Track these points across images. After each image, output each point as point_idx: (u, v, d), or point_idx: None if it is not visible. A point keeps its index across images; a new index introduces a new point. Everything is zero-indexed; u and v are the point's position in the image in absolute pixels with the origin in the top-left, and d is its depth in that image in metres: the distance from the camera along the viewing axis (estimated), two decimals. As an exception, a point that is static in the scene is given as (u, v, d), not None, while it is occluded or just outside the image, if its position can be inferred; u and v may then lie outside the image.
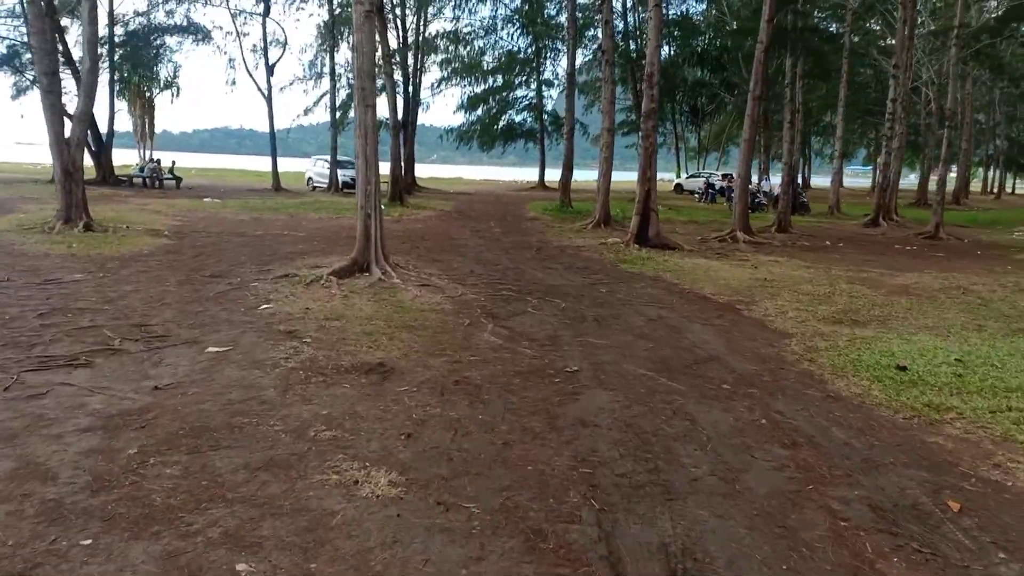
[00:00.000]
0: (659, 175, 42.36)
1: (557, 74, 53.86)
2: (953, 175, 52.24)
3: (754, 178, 50.39)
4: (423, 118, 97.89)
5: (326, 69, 36.38)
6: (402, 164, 38.06)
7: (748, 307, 9.70)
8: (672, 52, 49.73)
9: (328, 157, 35.80)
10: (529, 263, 13.37)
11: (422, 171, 76.86)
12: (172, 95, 53.70)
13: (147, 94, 53.74)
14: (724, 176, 51.59)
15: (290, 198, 28.56)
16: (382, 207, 16.36)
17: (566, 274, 12.14)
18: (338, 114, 41.31)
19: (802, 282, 11.84)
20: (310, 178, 36.22)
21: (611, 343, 7.39)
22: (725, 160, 72.23)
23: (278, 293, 9.20)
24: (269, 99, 33.30)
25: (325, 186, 33.83)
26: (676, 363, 6.69)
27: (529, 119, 55.21)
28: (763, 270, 13.18)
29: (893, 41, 31.99)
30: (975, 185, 69.16)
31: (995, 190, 69.34)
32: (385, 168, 31.08)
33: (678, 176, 56.86)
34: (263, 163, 59.06)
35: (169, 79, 53.45)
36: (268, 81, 33.41)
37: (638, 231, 15.78)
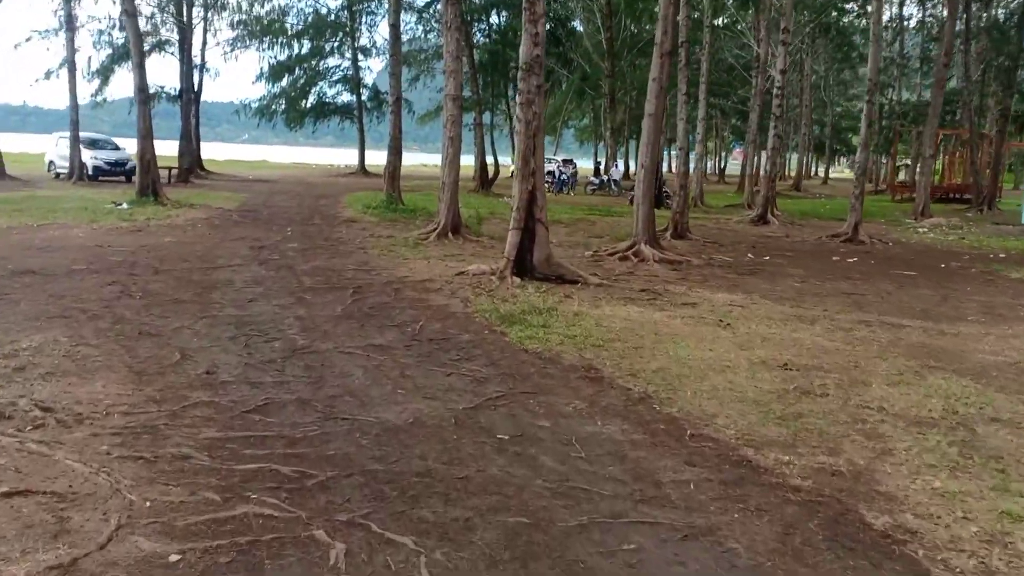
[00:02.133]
0: (481, 159, 37.13)
1: (375, 41, 46.53)
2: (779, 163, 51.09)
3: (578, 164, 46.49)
4: (223, 90, 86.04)
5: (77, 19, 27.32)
6: (189, 144, 29.90)
7: (876, 503, 4.07)
8: (502, 23, 44.06)
9: (92, 135, 27.07)
10: (337, 333, 7.09)
11: (220, 152, 66.43)
12: None
13: None
14: (565, 162, 47.34)
15: (4, 191, 20.01)
16: (124, 204, 9.70)
17: (413, 371, 6.00)
18: (95, 81, 32.14)
19: (865, 374, 6.46)
20: (51, 161, 27.11)
21: None
22: (560, 144, 68.52)
23: None
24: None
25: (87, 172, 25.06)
26: None
27: (345, 92, 47.79)
28: (745, 331, 7.74)
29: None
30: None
31: (818, 175, 71.09)
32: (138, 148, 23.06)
33: (513, 161, 51.78)
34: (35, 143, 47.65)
35: None
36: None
37: (518, 255, 9.86)
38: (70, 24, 23.96)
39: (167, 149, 29.78)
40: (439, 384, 5.63)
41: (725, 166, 74.41)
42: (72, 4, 24.43)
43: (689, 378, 5.93)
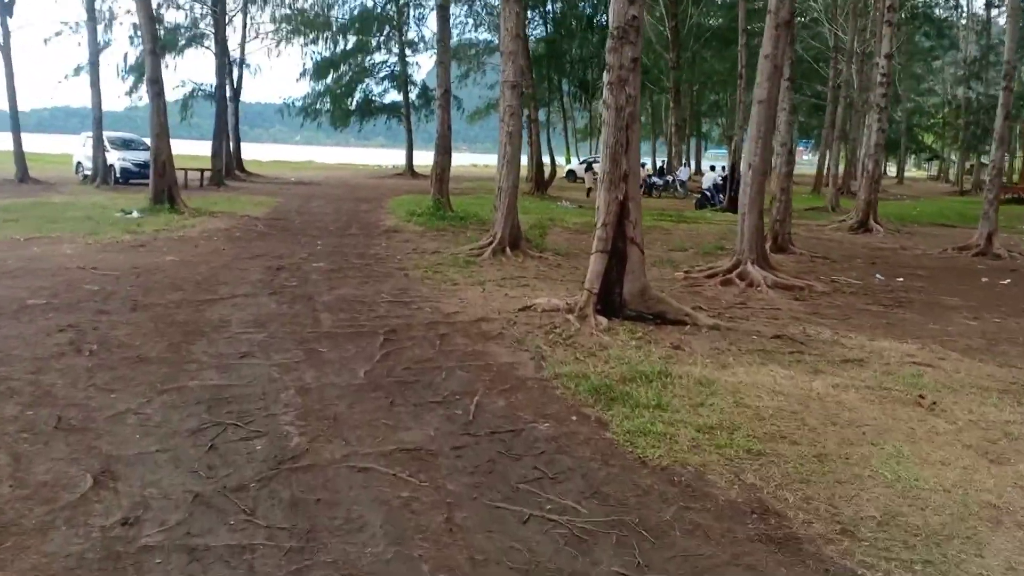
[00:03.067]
0: (537, 158, 34.27)
1: (423, 35, 44.43)
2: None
3: (645, 164, 43.52)
4: (274, 90, 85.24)
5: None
6: (222, 144, 28.13)
7: None
8: (559, 10, 41.13)
9: (120, 134, 25.54)
10: (353, 420, 4.72)
11: (267, 153, 65.25)
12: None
13: None
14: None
15: (16, 196, 18.28)
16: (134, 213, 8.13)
17: (465, 511, 3.62)
18: (128, 79, 30.67)
19: None
20: (79, 163, 25.54)
21: None
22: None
23: None
24: (7, 48, 22.44)
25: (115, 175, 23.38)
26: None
27: (392, 90, 45.83)
28: (965, 416, 5.13)
29: None
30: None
31: (887, 174, 66.69)
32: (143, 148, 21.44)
33: (568, 161, 49.23)
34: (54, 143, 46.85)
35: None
36: (4, 23, 22.49)
37: (604, 286, 7.37)
38: (92, 15, 22.23)
39: (209, 150, 28.10)
40: (510, 548, 3.20)
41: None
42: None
43: (953, 542, 3.37)
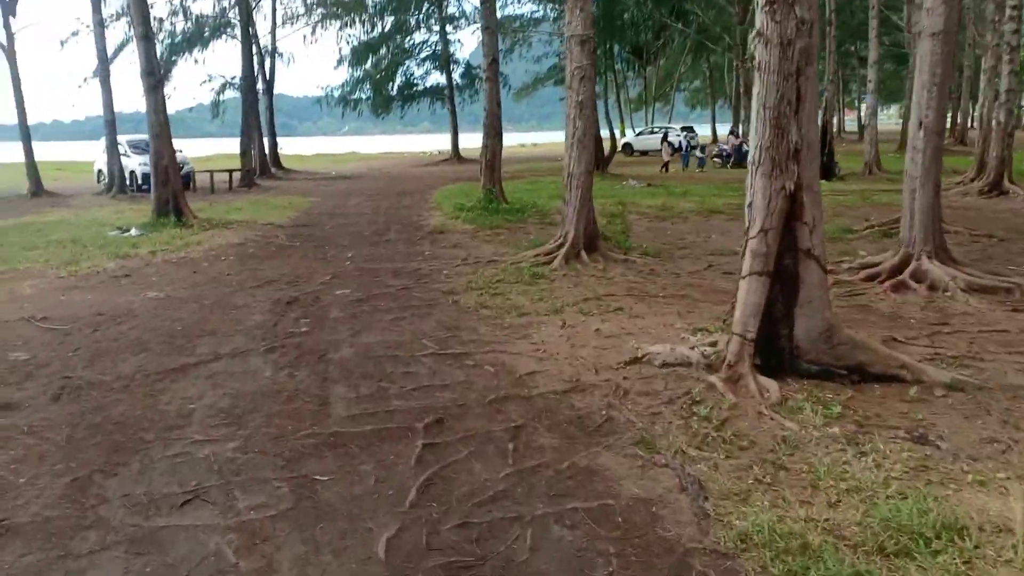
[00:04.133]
0: (595, 133, 30.89)
1: (463, 10, 41.62)
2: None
3: (722, 132, 39.69)
4: (315, 81, 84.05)
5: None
6: (252, 142, 26.01)
7: None
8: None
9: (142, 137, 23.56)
10: None
11: (311, 147, 63.40)
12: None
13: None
14: (684, 130, 41.33)
15: (13, 214, 16.33)
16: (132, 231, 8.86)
17: None
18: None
19: None
20: (100, 171, 23.64)
21: None
22: (668, 110, 61.82)
23: None
24: (11, 50, 20.56)
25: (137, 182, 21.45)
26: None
27: (435, 71, 43.28)
28: None
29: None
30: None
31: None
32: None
33: (623, 133, 46.00)
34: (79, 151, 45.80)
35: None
36: (6, 24, 20.59)
37: (766, 326, 4.64)
38: (97, 6, 20.11)
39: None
40: None
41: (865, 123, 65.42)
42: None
43: None
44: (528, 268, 8.98)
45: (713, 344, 5.13)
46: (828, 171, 22.46)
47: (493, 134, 14.92)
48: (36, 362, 5.71)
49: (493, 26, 14.90)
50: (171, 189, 12.94)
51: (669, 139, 30.90)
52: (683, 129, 44.43)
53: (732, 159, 29.43)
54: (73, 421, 4.53)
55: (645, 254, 9.84)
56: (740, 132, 35.51)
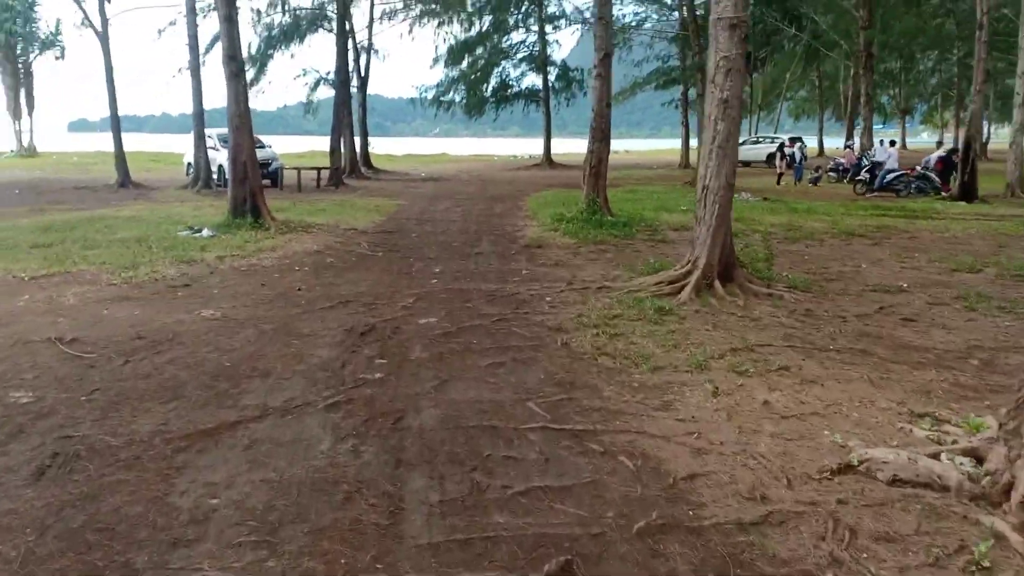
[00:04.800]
0: (669, 141, 28.20)
1: (564, 10, 40.12)
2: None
3: (854, 143, 36.39)
4: (408, 82, 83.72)
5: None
6: (342, 139, 25.23)
7: None
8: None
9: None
10: None
11: (401, 147, 63.13)
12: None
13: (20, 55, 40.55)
14: (792, 141, 38.71)
15: (94, 205, 15.76)
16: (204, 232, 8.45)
17: None
18: (249, 72, 28.35)
19: None
20: (189, 163, 23.23)
21: None
22: (772, 120, 58.66)
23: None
24: (104, 36, 20.30)
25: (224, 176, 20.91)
26: None
27: (530, 73, 41.97)
28: None
29: None
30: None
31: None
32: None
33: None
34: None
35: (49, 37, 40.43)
36: (101, 8, 20.33)
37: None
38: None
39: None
40: None
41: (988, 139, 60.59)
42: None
43: None
44: (649, 299, 7.36)
45: (971, 453, 3.42)
46: (969, 192, 19.91)
47: (600, 138, 13.32)
48: (38, 408, 4.47)
49: (607, 16, 13.29)
50: (249, 187, 11.89)
51: (785, 150, 28.50)
52: (791, 140, 41.78)
53: (850, 174, 26.82)
54: (45, 520, 3.21)
55: (792, 287, 8.06)
56: (858, 145, 32.68)
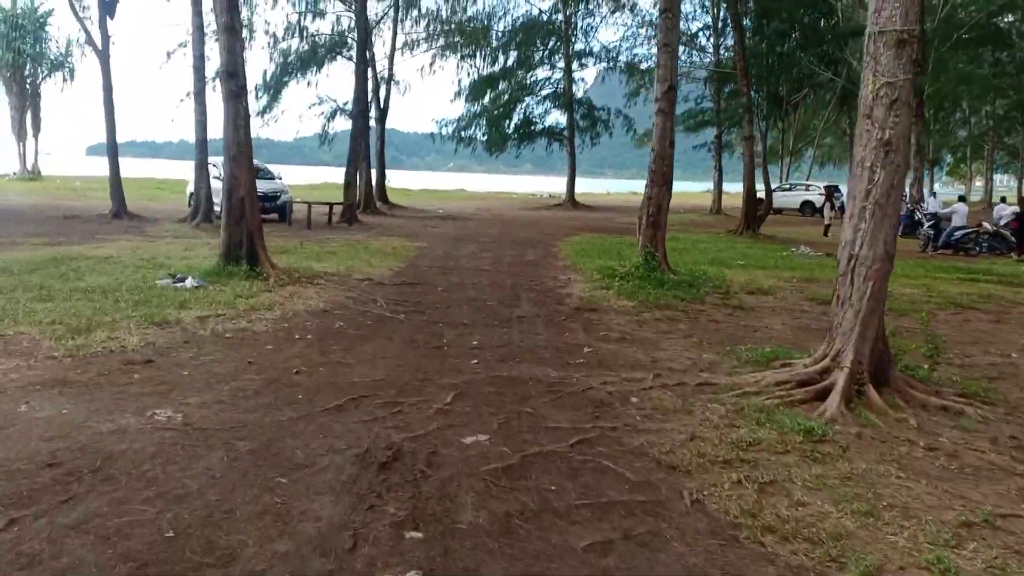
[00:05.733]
0: (749, 186, 26.10)
1: (591, 48, 38.67)
2: None
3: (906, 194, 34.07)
4: (425, 116, 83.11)
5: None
6: (358, 173, 23.42)
7: None
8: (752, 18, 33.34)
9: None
10: None
11: (415, 181, 61.30)
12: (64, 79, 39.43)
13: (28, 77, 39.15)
14: (828, 189, 36.86)
15: (79, 240, 13.84)
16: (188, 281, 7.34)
17: None
18: (262, 99, 26.82)
19: None
20: (191, 193, 21.41)
21: None
22: (797, 166, 56.77)
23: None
24: (104, 54, 18.61)
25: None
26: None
27: (554, 110, 40.40)
28: None
29: None
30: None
31: None
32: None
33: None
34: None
35: (58, 58, 39.05)
36: (102, 24, 18.68)
37: None
38: (197, 7, 17.77)
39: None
40: None
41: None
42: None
43: None
44: (785, 413, 5.27)
45: None
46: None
47: (661, 182, 11.33)
48: None
49: (673, 44, 11.35)
50: (246, 228, 9.90)
51: (832, 198, 26.54)
52: (827, 188, 39.90)
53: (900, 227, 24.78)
54: None
55: (965, 395, 5.95)
56: (908, 194, 30.67)
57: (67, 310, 7.63)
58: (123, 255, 11.67)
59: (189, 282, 8.97)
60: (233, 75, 9.72)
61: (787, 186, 40.06)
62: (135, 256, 11.59)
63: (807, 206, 37.49)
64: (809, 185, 39.90)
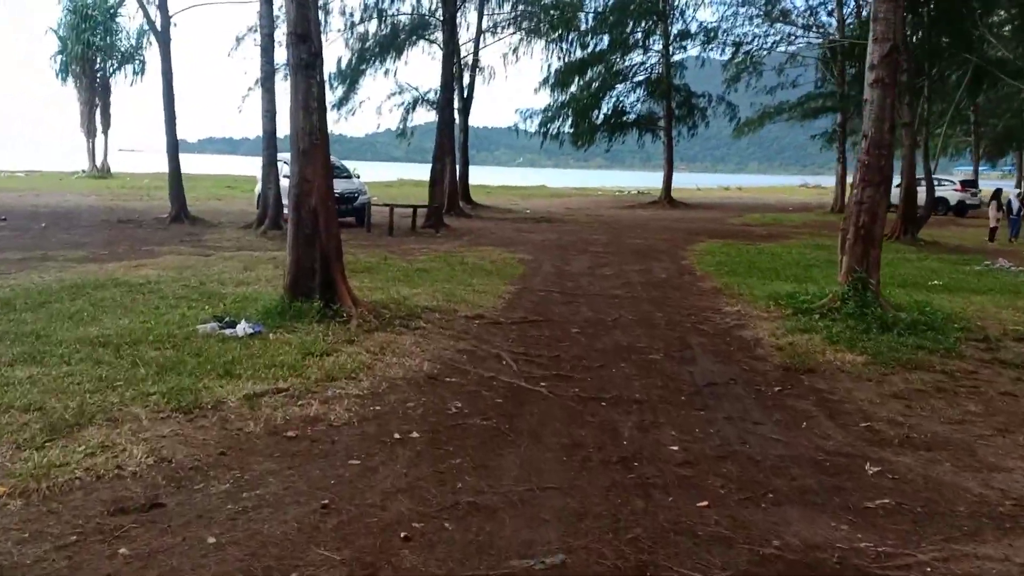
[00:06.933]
0: (814, 180, 22.18)
1: (690, 30, 35.20)
2: None
3: (1011, 190, 29.80)
4: (499, 112, 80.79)
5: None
6: (445, 170, 20.88)
7: None
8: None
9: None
10: None
11: (493, 177, 58.34)
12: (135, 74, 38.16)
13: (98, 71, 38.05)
14: (964, 184, 32.62)
15: (121, 254, 11.61)
16: (241, 327, 5.85)
17: None
18: (337, 90, 24.52)
19: None
20: (260, 195, 19.18)
21: None
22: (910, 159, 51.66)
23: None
24: (164, 37, 16.53)
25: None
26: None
27: (645, 99, 37.11)
28: None
29: None
30: None
31: None
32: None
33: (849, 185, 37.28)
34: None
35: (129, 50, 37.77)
36: (162, 5, 16.59)
37: None
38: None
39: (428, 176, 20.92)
40: None
41: None
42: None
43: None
44: None
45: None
46: None
47: (877, 180, 8.18)
48: None
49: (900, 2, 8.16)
50: (319, 249, 7.22)
51: (1000, 198, 22.58)
52: (963, 184, 35.47)
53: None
54: None
55: None
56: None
57: (57, 381, 5.10)
58: (165, 279, 9.20)
59: (241, 328, 6.37)
60: (304, 39, 7.09)
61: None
62: (179, 281, 9.11)
63: (940, 203, 33.11)
64: (941, 180, 35.46)
